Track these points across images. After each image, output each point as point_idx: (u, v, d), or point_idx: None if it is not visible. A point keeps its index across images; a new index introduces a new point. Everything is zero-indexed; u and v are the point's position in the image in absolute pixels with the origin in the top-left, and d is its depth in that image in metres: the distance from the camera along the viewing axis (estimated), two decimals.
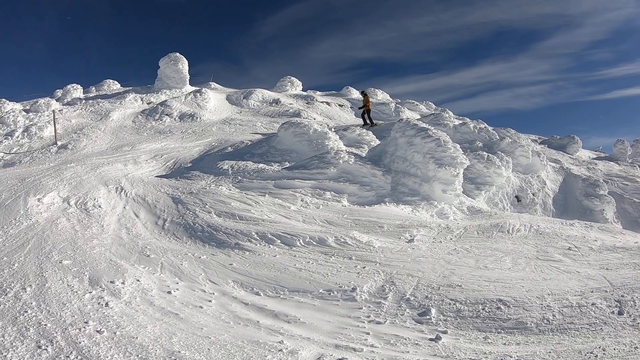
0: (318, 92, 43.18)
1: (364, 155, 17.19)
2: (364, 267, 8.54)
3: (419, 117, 29.59)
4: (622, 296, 7.02)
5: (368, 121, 24.52)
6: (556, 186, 22.36)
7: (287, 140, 18.85)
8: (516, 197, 19.40)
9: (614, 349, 5.52)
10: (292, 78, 43.68)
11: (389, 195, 14.48)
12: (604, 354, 5.42)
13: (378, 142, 19.55)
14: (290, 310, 6.95)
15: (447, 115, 26.39)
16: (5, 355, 5.18)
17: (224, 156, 18.32)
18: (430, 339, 5.93)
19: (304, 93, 41.72)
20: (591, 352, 5.44)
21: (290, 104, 35.94)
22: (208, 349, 5.51)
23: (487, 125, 25.03)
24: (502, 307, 6.63)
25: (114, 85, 39.28)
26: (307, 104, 36.84)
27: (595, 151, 36.81)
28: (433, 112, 35.14)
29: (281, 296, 7.52)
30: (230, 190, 13.60)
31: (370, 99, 26.01)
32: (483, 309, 6.63)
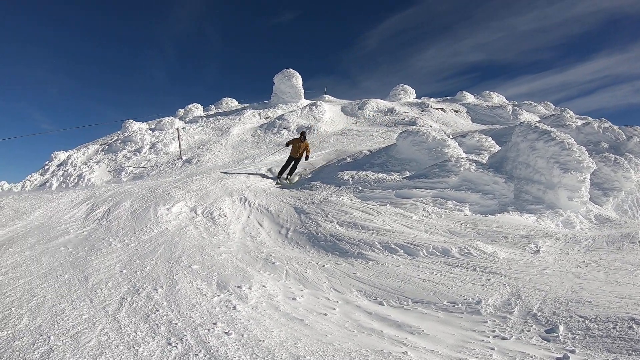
0: (432, 99, 43.09)
1: (484, 162, 16.96)
2: (488, 279, 8.51)
3: (538, 119, 28.74)
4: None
5: (286, 175, 19.11)
6: None
7: (406, 149, 18.98)
8: None
9: None
10: (405, 86, 43.87)
11: (511, 203, 14.26)
12: None
13: (498, 147, 19.24)
14: (414, 321, 7.03)
15: (568, 115, 25.46)
16: (137, 350, 5.68)
17: (344, 167, 18.77)
18: (557, 358, 5.82)
19: (418, 101, 41.81)
20: None
21: (405, 112, 36.10)
22: (332, 355, 5.70)
23: (611, 124, 23.84)
24: (635, 327, 6.34)
25: (232, 103, 41.50)
26: (422, 111, 36.81)
27: None
28: (553, 112, 33.98)
29: (405, 307, 7.64)
30: (351, 200, 13.98)
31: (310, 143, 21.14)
32: (614, 328, 6.38)
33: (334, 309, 7.55)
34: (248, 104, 40.40)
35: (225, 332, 6.24)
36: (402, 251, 10.11)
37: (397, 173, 17.17)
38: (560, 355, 5.89)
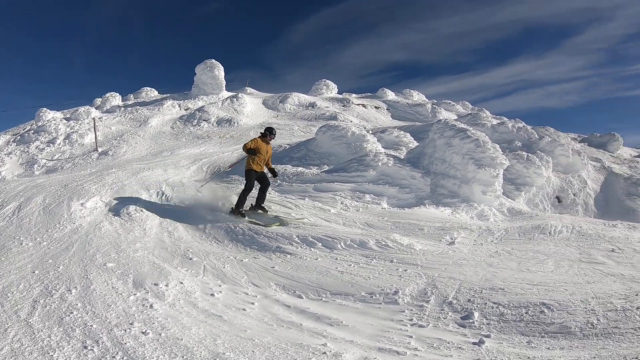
0: (353, 95, 43.33)
1: (402, 157, 17.15)
2: (405, 270, 8.53)
3: (456, 117, 29.46)
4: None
5: (250, 206, 12.35)
6: (597, 186, 21.95)
7: (326, 143, 18.99)
8: (557, 197, 19.17)
9: None
10: (327, 81, 43.95)
11: (428, 197, 14.48)
12: None
13: (416, 143, 19.54)
14: (333, 313, 6.98)
15: (484, 115, 26.25)
16: (52, 355, 5.37)
17: None
18: (474, 343, 5.90)
19: (340, 96, 42.00)
20: (636, 357, 5.39)
21: (327, 107, 36.21)
22: (252, 351, 5.59)
23: (525, 125, 24.78)
24: (546, 311, 6.56)
25: (151, 93, 40.30)
26: (343, 106, 37.01)
27: (638, 148, 36.16)
28: (470, 112, 34.93)
29: (323, 299, 7.57)
30: (269, 194, 13.81)
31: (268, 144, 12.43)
32: (526, 313, 6.58)
33: (253, 303, 7.38)
34: (168, 95, 39.24)
35: (143, 332, 5.99)
36: (321, 244, 9.98)
37: (316, 167, 17.16)
38: (476, 340, 5.97)
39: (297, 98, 37.50)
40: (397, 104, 40.44)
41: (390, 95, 43.32)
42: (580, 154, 22.86)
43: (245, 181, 11.95)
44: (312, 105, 36.17)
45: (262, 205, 12.26)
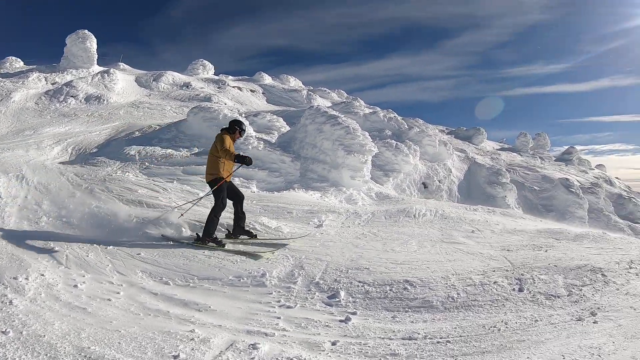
0: (230, 77, 42.46)
1: (273, 141, 17.06)
2: (273, 253, 8.39)
3: (330, 104, 29.77)
4: (522, 274, 7.30)
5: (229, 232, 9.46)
6: (461, 174, 23.21)
7: (197, 125, 18.46)
8: (423, 183, 19.95)
9: (516, 323, 5.76)
10: (204, 61, 42.75)
11: (298, 181, 14.48)
12: (506, 327, 5.64)
13: (289, 128, 19.49)
14: (200, 298, 6.68)
15: (358, 104, 26.73)
16: None
17: (131, 141, 17.77)
18: (340, 320, 5.88)
19: (216, 77, 40.94)
20: (494, 326, 5.64)
21: (202, 87, 35.27)
22: (119, 342, 5.17)
23: (396, 115, 25.49)
24: (409, 288, 6.71)
25: (16, 64, 36.88)
26: (218, 88, 36.21)
27: (500, 142, 38.65)
28: (344, 100, 35.44)
29: (191, 284, 7.21)
30: (137, 177, 13.14)
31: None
32: (390, 290, 6.69)
33: (119, 293, 6.83)
34: (34, 66, 36.06)
35: (2, 332, 5.28)
36: (188, 229, 9.57)
37: (186, 149, 16.66)
38: (343, 318, 5.96)
39: (171, 77, 36.12)
40: (274, 89, 40.26)
41: (268, 79, 43.02)
42: (446, 144, 23.99)
43: (214, 195, 8.84)
44: (187, 85, 35.04)
45: (244, 226, 9.29)
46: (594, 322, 5.90)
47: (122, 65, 39.59)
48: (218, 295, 6.85)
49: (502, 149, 34.80)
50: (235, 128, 9.09)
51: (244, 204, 9.42)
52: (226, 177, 8.83)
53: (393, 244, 9.14)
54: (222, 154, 8.61)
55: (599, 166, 37.59)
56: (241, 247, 8.69)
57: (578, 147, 39.57)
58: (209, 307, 6.34)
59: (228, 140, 8.78)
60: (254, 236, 9.14)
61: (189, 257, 8.20)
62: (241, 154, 8.79)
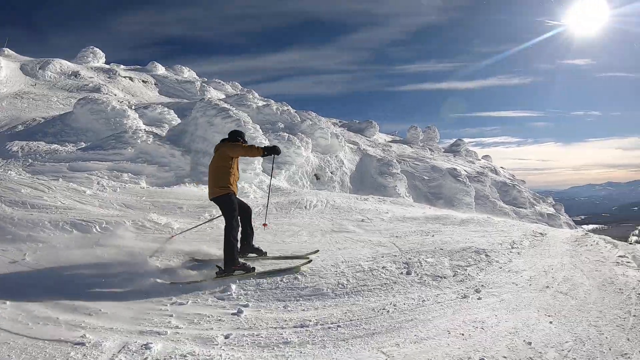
0: (122, 66, 40.75)
1: (163, 134, 16.71)
2: (164, 250, 8.20)
3: (224, 97, 29.49)
4: (410, 259, 7.58)
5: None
6: (353, 165, 23.72)
7: (84, 118, 17.73)
8: (315, 175, 20.21)
9: (404, 304, 5.98)
10: (95, 49, 40.73)
11: (188, 175, 14.26)
12: (395, 308, 5.84)
13: (180, 121, 19.16)
14: (91, 302, 6.34)
15: (251, 96, 26.65)
16: None
17: (14, 136, 16.91)
18: (233, 314, 5.87)
19: (107, 66, 39.08)
20: (383, 309, 5.82)
21: (91, 77, 33.62)
22: (8, 355, 4.84)
23: (290, 108, 25.67)
24: (299, 277, 6.80)
25: None
26: (109, 78, 34.71)
27: (392, 135, 39.82)
28: (238, 92, 35.14)
29: (80, 288, 6.97)
30: (20, 175, 12.40)
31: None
32: (281, 280, 6.76)
33: (5, 303, 6.39)
34: None
35: None
36: (75, 230, 9.09)
37: (72, 144, 15.99)
38: (235, 311, 5.96)
39: (59, 65, 34.05)
40: (166, 80, 39.18)
41: (161, 70, 41.72)
42: (338, 137, 24.41)
43: (225, 214, 7.40)
44: (76, 74, 33.24)
45: (253, 243, 7.95)
46: (478, 299, 6.25)
47: (6, 51, 36.75)
48: (109, 297, 6.60)
49: (394, 141, 35.86)
50: (237, 138, 7.74)
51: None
52: (235, 190, 7.56)
53: (284, 235, 9.28)
54: (246, 152, 7.45)
55: (486, 157, 39.54)
56: (269, 267, 7.42)
57: (466, 140, 41.74)
58: (100, 310, 6.09)
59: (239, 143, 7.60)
60: (263, 253, 7.87)
61: (78, 259, 7.84)
62: (265, 145, 8.06)
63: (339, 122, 37.69)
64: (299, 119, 23.82)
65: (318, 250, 8.00)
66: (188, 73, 44.32)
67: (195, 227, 9.17)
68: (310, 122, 23.58)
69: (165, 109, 20.53)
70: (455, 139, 40.00)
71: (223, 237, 7.17)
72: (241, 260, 7.31)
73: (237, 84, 45.32)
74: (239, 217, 7.43)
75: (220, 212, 7.63)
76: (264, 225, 8.58)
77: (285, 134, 19.92)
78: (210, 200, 7.59)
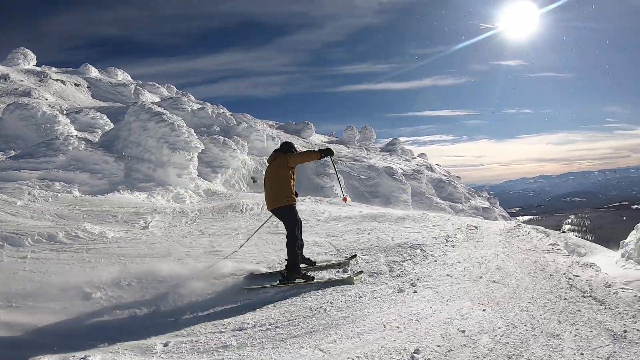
0: (53, 69, 39.31)
1: (96, 140, 16.35)
2: (98, 261, 8.02)
3: (159, 100, 29.09)
4: (345, 257, 7.82)
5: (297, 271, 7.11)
6: None
7: (13, 124, 17.14)
8: (252, 178, 20.20)
9: (341, 301, 6.08)
10: (26, 50, 39.03)
11: (122, 182, 13.94)
12: (332, 306, 5.94)
13: (113, 126, 18.81)
14: (27, 318, 6.10)
15: (186, 99, 26.42)
16: None
17: None
18: (172, 321, 5.84)
19: (38, 69, 37.65)
20: (321, 307, 5.92)
21: (21, 81, 32.36)
22: None
23: (225, 110, 25.59)
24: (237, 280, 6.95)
25: None
26: (40, 81, 33.51)
27: (328, 136, 40.10)
28: (173, 96, 34.67)
29: (14, 304, 6.55)
30: None
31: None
32: (219, 284, 6.82)
33: None
34: None
35: None
36: (6, 243, 8.74)
37: (1, 152, 15.42)
38: (173, 318, 5.95)
39: None
40: (100, 83, 38.14)
41: (94, 72, 40.52)
42: (274, 139, 24.44)
43: (288, 225, 7.23)
44: (5, 77, 31.90)
45: (304, 254, 7.69)
46: (413, 292, 6.39)
47: None
48: (45, 312, 6.38)
49: (331, 142, 36.12)
50: (292, 150, 7.41)
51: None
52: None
53: (220, 239, 9.29)
54: (304, 158, 7.23)
55: (421, 155, 40.26)
56: (325, 278, 7.25)
57: (402, 139, 42.67)
58: (36, 326, 5.97)
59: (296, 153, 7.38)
60: (313, 263, 7.68)
61: (9, 274, 7.46)
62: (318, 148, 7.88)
63: (276, 124, 37.70)
64: (234, 121, 23.77)
65: (356, 255, 7.90)
66: (122, 76, 43.31)
67: (254, 232, 8.86)
68: (246, 125, 23.55)
69: (98, 113, 20.09)
70: (391, 139, 40.82)
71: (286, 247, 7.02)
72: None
73: (172, 86, 44.66)
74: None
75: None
76: (344, 199, 8.89)
77: (220, 137, 19.80)
78: (272, 210, 7.29)
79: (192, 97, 32.00)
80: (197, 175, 15.54)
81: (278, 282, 6.86)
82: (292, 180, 7.17)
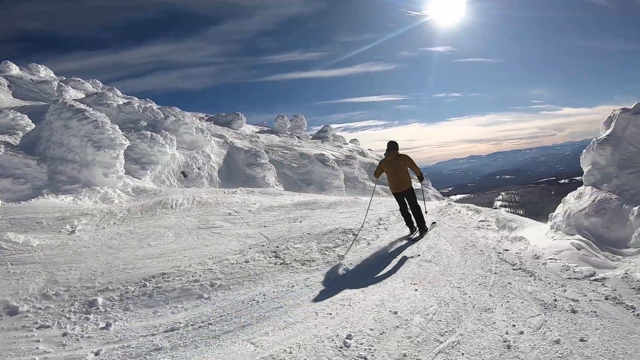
0: None
1: (16, 143, 15.69)
2: (24, 272, 7.60)
3: (84, 96, 28.20)
4: (277, 247, 7.83)
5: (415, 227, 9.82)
6: (221, 159, 23.62)
7: None
8: (182, 172, 19.89)
9: (274, 292, 6.13)
10: None
11: (46, 186, 13.40)
12: (264, 298, 5.98)
13: (34, 126, 18.09)
14: None
15: (111, 94, 25.64)
16: None
17: None
18: (102, 328, 5.64)
19: None
20: (253, 300, 5.94)
21: None
22: None
23: (153, 104, 25.07)
24: (168, 279, 6.76)
25: None
26: None
27: (260, 126, 40.00)
28: (98, 91, 33.59)
29: None
30: None
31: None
32: (149, 286, 6.64)
33: None
34: None
35: None
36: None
37: None
38: (104, 325, 5.75)
39: None
40: (21, 81, 36.21)
41: (15, 69, 38.46)
42: (203, 131, 24.11)
43: (414, 198, 9.53)
44: None
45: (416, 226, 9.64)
46: (346, 277, 6.54)
47: None
48: None
49: (262, 132, 35.93)
50: (397, 147, 9.52)
51: None
52: (393, 191, 9.57)
53: (149, 239, 9.11)
54: (416, 168, 9.45)
55: (353, 140, 40.56)
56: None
57: (334, 126, 42.86)
58: None
59: (378, 168, 9.85)
60: (415, 229, 9.58)
61: None
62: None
63: (205, 116, 37.19)
64: (162, 115, 23.26)
65: (435, 222, 10.23)
66: (45, 72, 41.43)
67: (363, 221, 9.78)
68: (174, 118, 23.11)
69: (19, 114, 19.15)
70: (322, 126, 40.77)
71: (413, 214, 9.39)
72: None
73: (98, 81, 43.09)
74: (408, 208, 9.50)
75: None
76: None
77: (148, 132, 19.35)
78: (400, 192, 9.34)
79: (119, 92, 31.17)
80: (125, 174, 15.13)
81: (419, 234, 9.18)
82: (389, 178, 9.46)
